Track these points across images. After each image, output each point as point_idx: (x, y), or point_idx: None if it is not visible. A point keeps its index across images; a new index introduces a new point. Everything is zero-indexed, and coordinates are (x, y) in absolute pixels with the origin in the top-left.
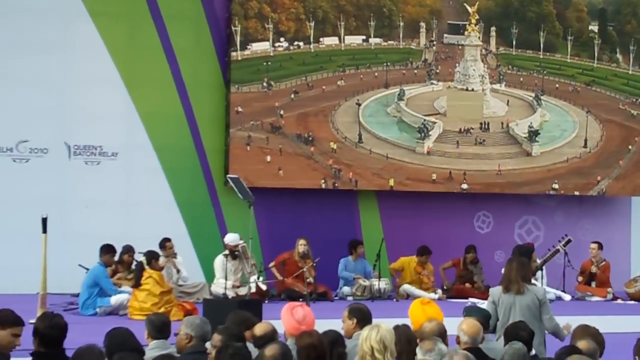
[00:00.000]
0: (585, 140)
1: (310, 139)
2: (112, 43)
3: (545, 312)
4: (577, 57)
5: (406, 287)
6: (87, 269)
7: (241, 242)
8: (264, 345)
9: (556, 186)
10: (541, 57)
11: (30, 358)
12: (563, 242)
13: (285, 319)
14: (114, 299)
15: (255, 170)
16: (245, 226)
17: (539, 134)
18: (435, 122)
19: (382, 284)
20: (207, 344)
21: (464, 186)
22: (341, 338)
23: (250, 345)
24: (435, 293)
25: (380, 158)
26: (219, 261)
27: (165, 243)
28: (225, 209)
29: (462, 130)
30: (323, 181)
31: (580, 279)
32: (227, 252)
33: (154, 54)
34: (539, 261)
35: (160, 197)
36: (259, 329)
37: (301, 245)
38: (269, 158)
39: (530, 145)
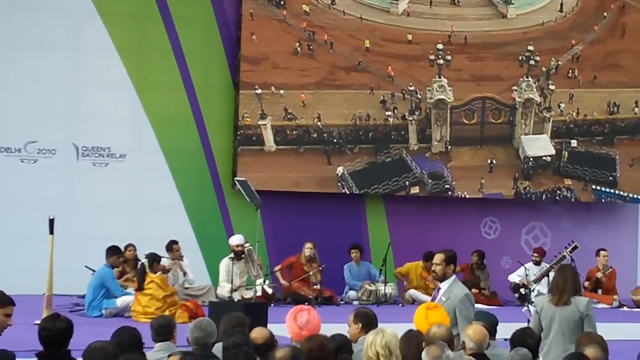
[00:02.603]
0: (561, 5)
1: (282, 2)
2: (121, 44)
3: (587, 326)
4: None
5: (412, 292)
6: (94, 271)
7: (247, 244)
8: (265, 353)
9: (531, 48)
10: None
11: (36, 359)
12: (569, 249)
13: (288, 324)
14: (120, 301)
15: None
16: (252, 229)
17: None
18: None
19: (388, 289)
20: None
21: (440, 46)
22: (348, 344)
23: None
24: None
25: (354, 19)
26: (224, 264)
27: (172, 245)
28: (233, 212)
29: None
30: (297, 44)
31: (586, 285)
32: (232, 255)
33: (163, 55)
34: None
35: (168, 199)
36: (260, 337)
37: (307, 249)
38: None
39: (506, 7)
